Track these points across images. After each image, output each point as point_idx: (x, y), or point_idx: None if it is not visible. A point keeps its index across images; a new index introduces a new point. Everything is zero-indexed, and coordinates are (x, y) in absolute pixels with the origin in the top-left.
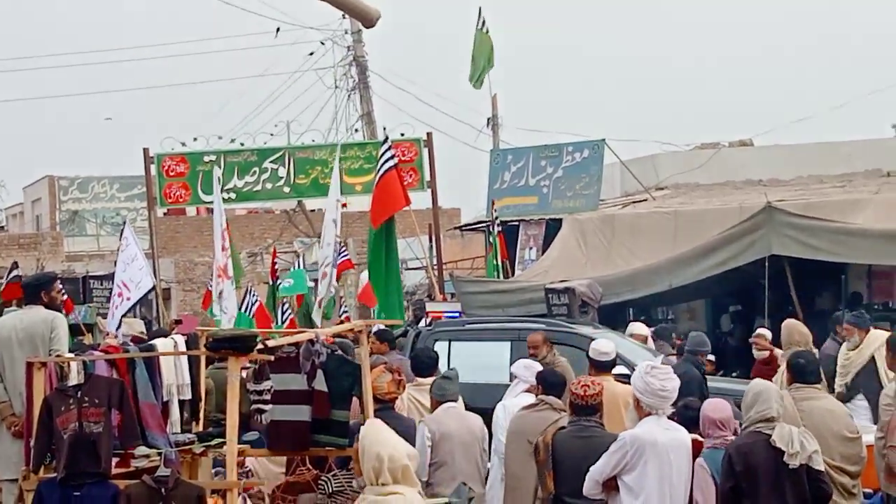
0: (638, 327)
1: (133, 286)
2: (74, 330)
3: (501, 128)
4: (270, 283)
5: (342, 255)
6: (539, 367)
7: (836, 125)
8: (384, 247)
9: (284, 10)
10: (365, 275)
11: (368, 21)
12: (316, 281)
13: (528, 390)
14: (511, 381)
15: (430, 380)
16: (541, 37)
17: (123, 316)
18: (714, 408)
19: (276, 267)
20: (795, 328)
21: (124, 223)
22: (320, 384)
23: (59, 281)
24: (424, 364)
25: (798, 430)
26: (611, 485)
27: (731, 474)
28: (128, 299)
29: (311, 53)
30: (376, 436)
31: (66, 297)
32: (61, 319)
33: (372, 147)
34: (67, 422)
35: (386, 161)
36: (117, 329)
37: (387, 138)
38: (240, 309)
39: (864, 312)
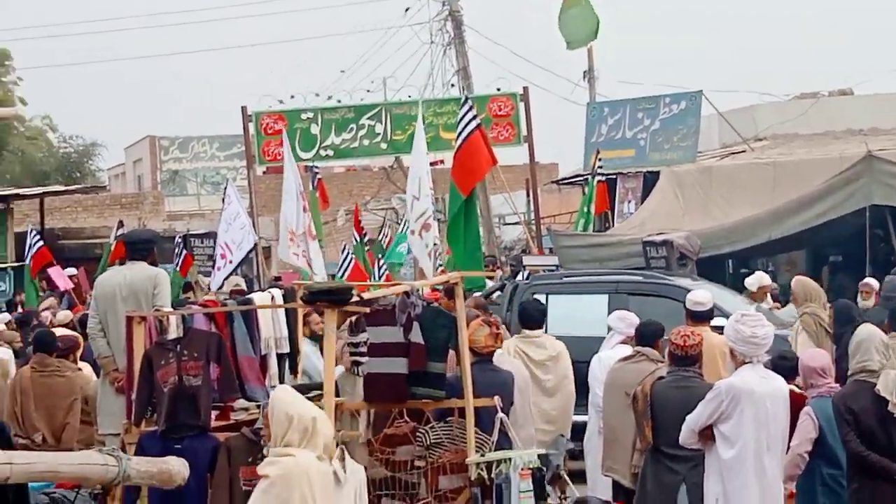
0: (762, 277)
1: (235, 247)
2: (188, 287)
3: (598, 81)
4: (357, 239)
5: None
6: (635, 319)
7: None
8: (466, 207)
9: None
10: None
11: None
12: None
13: (623, 342)
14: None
15: (538, 332)
16: None
17: (226, 278)
18: (812, 357)
19: (363, 225)
20: (809, 284)
21: (227, 182)
22: (416, 336)
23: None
24: (533, 316)
25: None
26: (707, 434)
27: (845, 422)
28: (230, 262)
29: (407, 9)
30: (287, 398)
31: (186, 253)
32: (164, 276)
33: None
34: (167, 375)
35: (468, 123)
36: (219, 289)
37: (467, 99)
38: (336, 272)
39: None
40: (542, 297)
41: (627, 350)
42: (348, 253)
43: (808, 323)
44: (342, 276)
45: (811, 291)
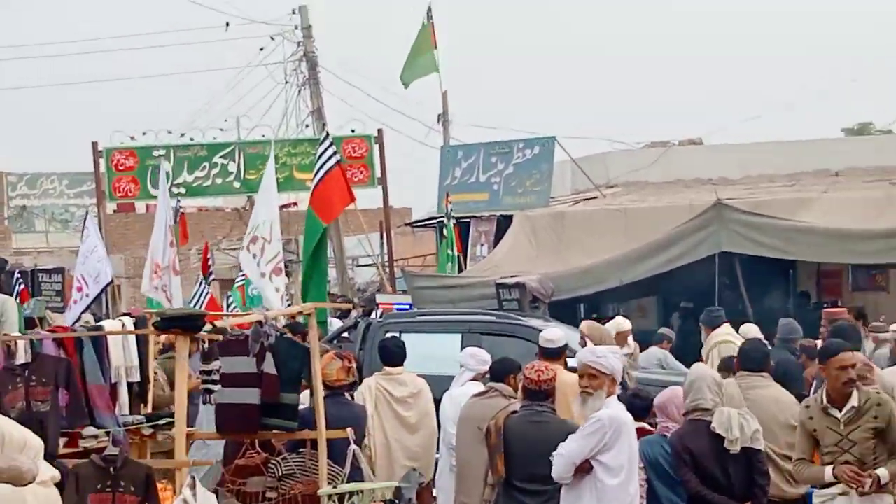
0: (621, 322)
1: (91, 280)
2: (27, 323)
3: (452, 124)
4: (202, 277)
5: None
6: (486, 356)
7: (785, 125)
8: (320, 241)
9: (235, 5)
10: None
11: None
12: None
13: (474, 379)
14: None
15: (399, 369)
16: (490, 33)
17: (83, 311)
18: (660, 395)
19: (211, 264)
20: (598, 330)
21: (87, 213)
22: (269, 367)
23: (8, 268)
24: (394, 353)
25: (737, 413)
26: (583, 467)
27: (682, 462)
28: (86, 295)
29: (262, 49)
30: None
31: (22, 287)
32: (11, 303)
33: None
34: (15, 400)
35: (329, 158)
36: (74, 324)
37: (327, 135)
38: (190, 303)
39: (715, 310)
40: (393, 336)
41: (478, 387)
42: (203, 286)
43: None
44: (200, 308)
45: (605, 337)
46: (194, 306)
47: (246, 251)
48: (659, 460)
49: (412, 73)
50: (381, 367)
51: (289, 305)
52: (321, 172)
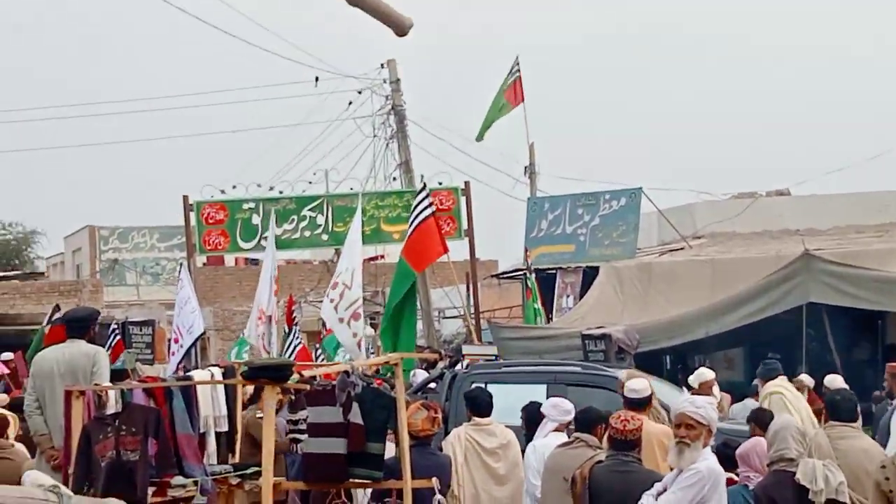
0: (704, 372)
1: (185, 331)
2: (118, 375)
3: (538, 176)
4: (287, 329)
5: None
6: (569, 406)
7: (873, 175)
8: (409, 289)
9: (323, 59)
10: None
11: (401, 29)
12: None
13: (557, 429)
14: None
15: (488, 419)
16: (580, 88)
17: (180, 362)
18: (743, 445)
19: (295, 317)
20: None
21: (180, 266)
22: (356, 417)
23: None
24: (482, 404)
25: (823, 464)
26: None
27: None
28: (181, 346)
29: (350, 103)
30: None
31: (118, 338)
32: (103, 354)
33: (410, 195)
34: (105, 449)
35: (424, 209)
36: (175, 372)
37: (424, 185)
38: (282, 352)
39: (771, 363)
40: (480, 386)
41: (562, 437)
42: (296, 337)
43: None
44: (290, 357)
45: None
46: (287, 356)
47: (327, 298)
48: None
49: (483, 126)
50: (468, 418)
51: (373, 356)
52: (416, 222)
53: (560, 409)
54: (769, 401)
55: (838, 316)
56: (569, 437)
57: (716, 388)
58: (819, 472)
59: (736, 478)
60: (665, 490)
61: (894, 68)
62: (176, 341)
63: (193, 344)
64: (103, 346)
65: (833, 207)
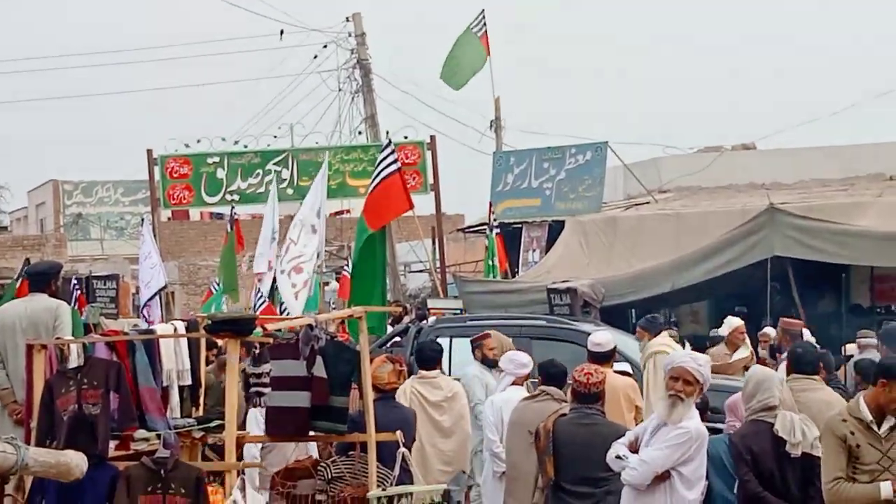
0: (733, 320)
1: (143, 286)
2: (83, 329)
3: (504, 130)
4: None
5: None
6: (525, 359)
7: (839, 129)
8: (379, 247)
9: (288, 12)
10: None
11: None
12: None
13: (515, 383)
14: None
15: (434, 372)
16: (545, 38)
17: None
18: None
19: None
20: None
21: (143, 220)
22: (319, 370)
23: (64, 274)
24: (429, 357)
25: (799, 418)
26: (661, 475)
27: (743, 462)
28: (141, 300)
29: (315, 56)
30: None
31: (79, 293)
32: (65, 308)
33: (375, 150)
34: (67, 403)
35: (389, 165)
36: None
37: (390, 142)
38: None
39: (657, 317)
40: (446, 340)
41: (519, 391)
42: (261, 294)
43: None
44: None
45: None
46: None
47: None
48: (721, 457)
49: (462, 76)
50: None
51: (332, 307)
52: (378, 179)
53: (516, 362)
54: (654, 360)
55: (803, 269)
56: (529, 390)
57: (767, 332)
58: (797, 426)
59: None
60: (637, 440)
61: (864, 20)
62: (136, 295)
63: (151, 298)
64: (66, 301)
65: (798, 161)
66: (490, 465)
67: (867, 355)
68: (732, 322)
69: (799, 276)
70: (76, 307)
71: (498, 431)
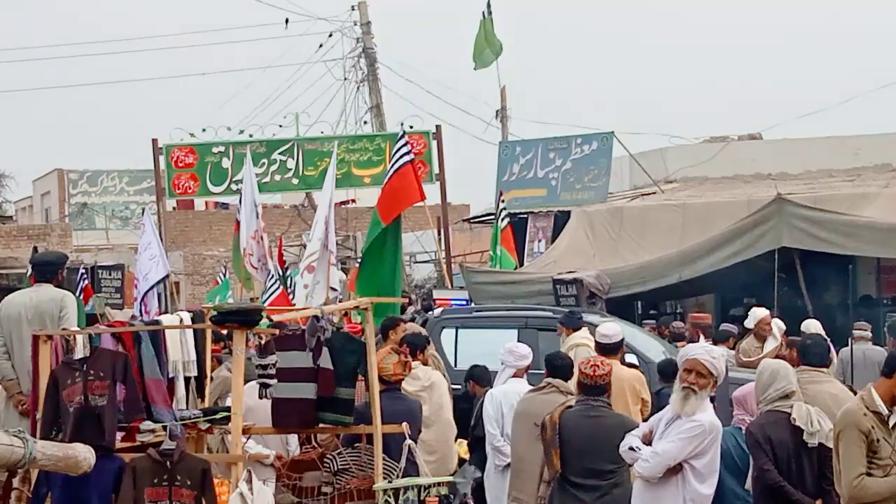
0: (759, 311)
1: (141, 277)
2: (88, 319)
3: (510, 120)
4: (280, 273)
5: None
6: (525, 351)
7: (845, 119)
8: (392, 239)
9: (294, 1)
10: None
11: None
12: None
13: (515, 375)
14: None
15: (414, 363)
16: (550, 29)
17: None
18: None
19: (284, 259)
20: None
21: (144, 210)
22: (325, 362)
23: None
24: (410, 346)
25: (814, 409)
26: (674, 468)
27: (763, 451)
28: (139, 292)
29: (321, 45)
30: None
31: (86, 283)
32: (71, 298)
33: (381, 139)
34: (73, 394)
35: (402, 155)
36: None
37: (403, 133)
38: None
39: (575, 312)
40: (452, 331)
41: (520, 383)
42: (275, 282)
43: None
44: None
45: None
46: (265, 299)
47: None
48: (731, 452)
49: (482, 60)
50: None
51: (340, 300)
52: (391, 171)
53: (516, 354)
54: (575, 353)
55: (810, 260)
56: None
57: (775, 324)
58: (813, 415)
59: None
60: (651, 432)
61: (869, 13)
62: (135, 287)
63: (150, 289)
64: (72, 291)
65: (805, 151)
66: (492, 458)
67: (860, 346)
68: (758, 313)
69: (806, 267)
70: (82, 298)
71: (498, 425)
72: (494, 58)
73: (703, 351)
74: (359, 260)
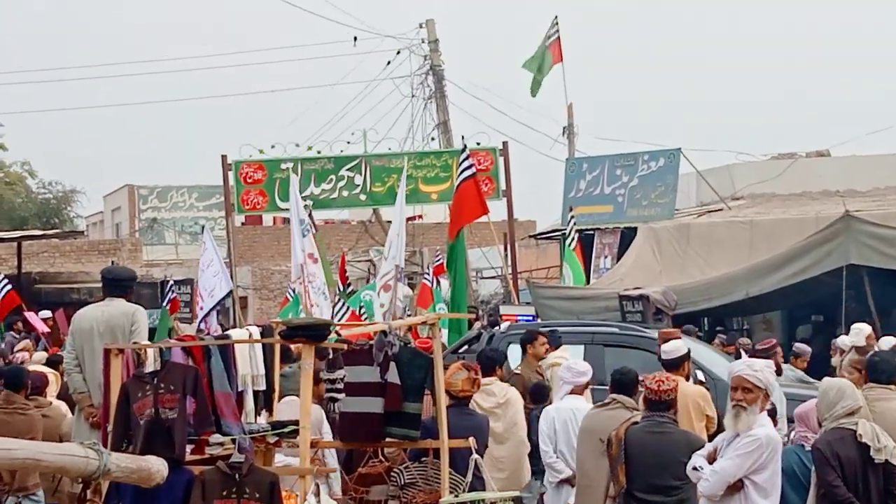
0: (863, 327)
1: (206, 294)
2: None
3: (577, 137)
4: (340, 288)
5: (436, 260)
6: (584, 367)
7: None
8: (458, 255)
9: (362, 19)
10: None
11: None
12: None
13: (573, 392)
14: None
15: (489, 379)
16: (617, 46)
17: (200, 322)
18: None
19: (347, 275)
20: None
21: (203, 228)
22: (393, 376)
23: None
24: (485, 363)
25: (878, 427)
26: (735, 485)
27: (831, 468)
28: (201, 308)
29: (389, 63)
30: None
31: (174, 296)
32: (142, 313)
33: (448, 156)
34: (144, 408)
35: (464, 170)
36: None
37: (465, 147)
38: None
39: (555, 331)
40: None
41: (578, 400)
42: (343, 301)
43: None
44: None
45: None
46: (337, 319)
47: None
48: (794, 469)
49: (535, 83)
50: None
51: (408, 316)
52: (455, 187)
53: (574, 370)
54: (551, 372)
55: (878, 277)
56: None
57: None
58: (879, 432)
59: None
60: (715, 451)
61: None
62: (197, 304)
63: (215, 307)
64: (147, 308)
65: (873, 168)
66: (547, 475)
67: None
68: (864, 329)
69: (874, 284)
70: (169, 310)
71: (551, 441)
72: (541, 80)
73: (745, 366)
74: (426, 276)
